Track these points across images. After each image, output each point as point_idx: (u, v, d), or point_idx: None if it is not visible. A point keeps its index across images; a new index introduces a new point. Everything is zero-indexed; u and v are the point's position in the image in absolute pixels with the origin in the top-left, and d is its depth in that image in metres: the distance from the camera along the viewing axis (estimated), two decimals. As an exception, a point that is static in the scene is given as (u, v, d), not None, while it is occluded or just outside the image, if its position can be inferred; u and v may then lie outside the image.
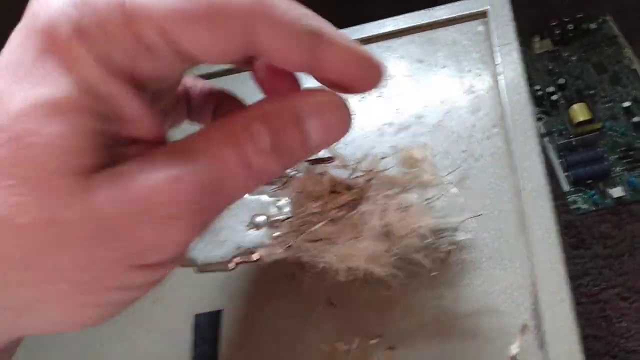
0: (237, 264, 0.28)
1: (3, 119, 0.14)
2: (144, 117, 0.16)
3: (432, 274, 0.25)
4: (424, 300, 0.25)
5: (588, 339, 0.52)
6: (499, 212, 0.26)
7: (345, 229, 0.24)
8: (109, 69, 0.15)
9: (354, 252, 0.23)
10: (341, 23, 0.35)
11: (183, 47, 0.16)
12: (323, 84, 0.19)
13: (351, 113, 0.18)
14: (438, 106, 0.30)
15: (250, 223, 0.29)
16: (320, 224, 0.24)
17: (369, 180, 0.24)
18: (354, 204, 0.24)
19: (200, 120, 0.24)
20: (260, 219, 0.29)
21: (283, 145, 0.17)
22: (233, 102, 0.23)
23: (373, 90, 0.19)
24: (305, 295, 0.27)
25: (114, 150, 0.16)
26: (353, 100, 0.32)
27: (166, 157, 0.16)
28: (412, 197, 0.24)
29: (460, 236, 0.25)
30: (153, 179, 0.15)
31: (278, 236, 0.27)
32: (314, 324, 0.26)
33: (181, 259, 0.18)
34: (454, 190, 0.26)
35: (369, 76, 0.19)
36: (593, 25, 0.70)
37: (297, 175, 0.25)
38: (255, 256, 0.28)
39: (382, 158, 0.25)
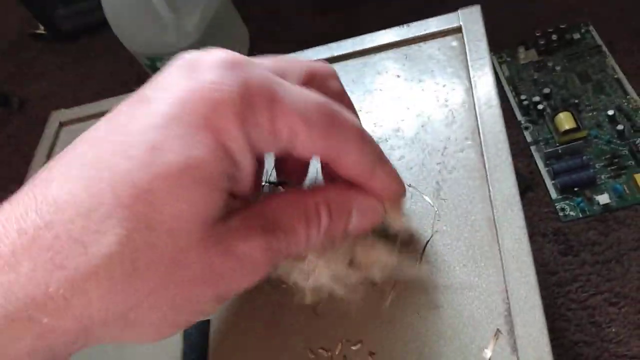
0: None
1: (160, 169, 0.17)
2: (250, 179, 0.20)
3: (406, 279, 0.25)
4: (401, 307, 0.26)
5: (578, 345, 0.53)
6: (472, 221, 0.27)
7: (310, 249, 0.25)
8: (248, 142, 0.19)
9: (318, 270, 0.24)
10: (325, 39, 0.37)
11: (295, 142, 0.19)
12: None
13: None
14: (414, 120, 0.31)
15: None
16: None
17: None
18: None
19: None
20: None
21: (332, 229, 0.22)
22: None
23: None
24: (290, 305, 0.27)
25: (228, 205, 0.19)
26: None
27: (260, 224, 0.20)
28: (381, 240, 0.25)
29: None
30: (254, 244, 0.19)
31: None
32: (299, 332, 0.27)
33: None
34: (428, 199, 0.27)
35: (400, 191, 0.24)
36: (576, 35, 0.72)
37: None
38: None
39: None
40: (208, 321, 0.29)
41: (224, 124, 0.18)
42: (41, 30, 1.19)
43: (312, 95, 0.20)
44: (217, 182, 0.18)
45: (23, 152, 1.04)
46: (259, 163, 0.24)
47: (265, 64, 0.20)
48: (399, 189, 0.24)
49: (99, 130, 0.19)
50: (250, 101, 0.18)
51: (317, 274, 0.24)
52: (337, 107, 0.21)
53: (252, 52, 0.92)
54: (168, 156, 0.17)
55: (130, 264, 0.17)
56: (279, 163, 0.27)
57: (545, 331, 0.23)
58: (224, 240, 0.19)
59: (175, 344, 0.28)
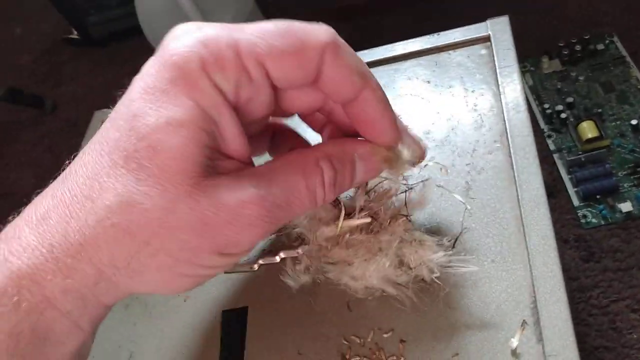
0: (260, 265, 0.31)
1: (143, 130, 0.20)
2: (237, 139, 0.21)
3: (435, 275, 0.27)
4: (432, 299, 0.27)
5: (599, 350, 0.54)
6: (501, 219, 0.28)
7: (359, 252, 0.27)
8: (222, 97, 0.20)
9: (368, 273, 0.26)
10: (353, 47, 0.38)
11: (273, 75, 0.21)
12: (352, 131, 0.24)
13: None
14: (444, 123, 0.33)
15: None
16: (335, 249, 0.27)
17: (373, 200, 0.27)
18: (366, 227, 0.27)
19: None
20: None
21: (339, 180, 0.23)
22: (289, 133, 0.28)
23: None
24: (324, 294, 0.29)
25: (214, 162, 0.21)
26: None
27: (254, 179, 0.21)
28: (426, 235, 0.27)
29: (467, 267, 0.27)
30: (244, 195, 0.21)
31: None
32: (333, 321, 0.28)
33: (248, 253, 0.24)
34: (458, 197, 0.29)
35: (385, 132, 0.24)
36: (600, 46, 0.73)
37: None
38: (277, 258, 0.31)
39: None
40: (245, 309, 0.30)
41: (190, 81, 0.20)
42: (74, 35, 1.24)
43: (269, 24, 0.21)
44: (194, 135, 0.20)
45: (55, 152, 1.08)
46: (252, 124, 0.23)
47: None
48: (388, 123, 0.23)
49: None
50: (211, 52, 0.20)
51: (368, 277, 0.26)
52: (297, 26, 0.21)
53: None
54: (147, 120, 0.20)
55: (127, 214, 0.20)
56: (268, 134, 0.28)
57: (570, 322, 0.24)
58: (214, 193, 0.20)
59: (214, 328, 0.30)
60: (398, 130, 0.24)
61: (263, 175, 0.22)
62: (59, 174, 0.22)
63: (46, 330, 0.21)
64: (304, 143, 0.28)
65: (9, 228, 0.22)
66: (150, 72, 0.20)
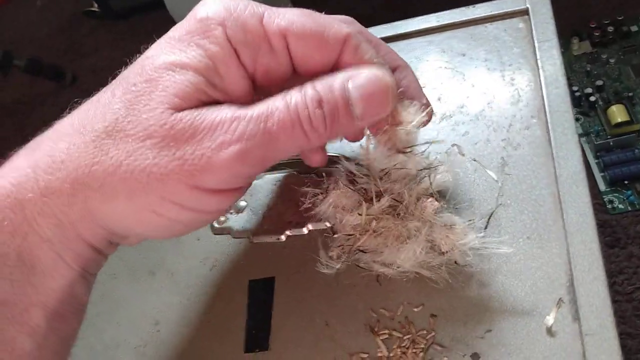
0: (288, 236, 0.31)
1: (147, 68, 0.22)
2: (241, 95, 0.22)
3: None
4: (465, 278, 0.27)
5: (622, 337, 0.53)
6: (537, 196, 0.28)
7: (388, 240, 0.26)
8: (233, 53, 0.22)
9: (399, 261, 0.25)
10: (384, 19, 0.37)
11: (294, 52, 0.22)
12: None
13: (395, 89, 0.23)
14: (479, 97, 0.32)
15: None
16: (363, 238, 0.26)
17: (394, 181, 0.26)
18: (393, 212, 0.26)
19: None
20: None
21: (329, 107, 0.21)
22: None
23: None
24: (352, 268, 0.29)
25: (206, 105, 0.22)
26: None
27: (233, 106, 0.22)
28: (456, 218, 0.26)
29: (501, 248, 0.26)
30: (220, 113, 0.21)
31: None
32: (361, 294, 0.28)
33: (235, 195, 0.23)
34: (492, 174, 0.28)
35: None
36: (634, 28, 0.71)
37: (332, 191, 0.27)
38: (305, 230, 0.30)
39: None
40: (272, 278, 0.30)
41: (205, 30, 0.22)
42: (95, 8, 1.23)
43: (295, 9, 0.23)
44: (191, 78, 0.21)
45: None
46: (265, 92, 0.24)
47: None
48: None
49: None
50: (233, 15, 0.22)
51: (399, 264, 0.25)
52: (322, 15, 0.23)
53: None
54: (154, 60, 0.22)
55: (112, 137, 0.21)
56: None
57: (608, 301, 0.24)
58: (193, 116, 0.21)
59: (240, 298, 0.30)
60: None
61: (247, 103, 0.22)
62: None
63: (31, 256, 0.21)
64: None
65: (12, 157, 0.23)
66: (175, 28, 0.23)
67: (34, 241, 0.21)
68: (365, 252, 0.27)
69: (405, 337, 0.26)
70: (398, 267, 0.26)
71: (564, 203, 0.27)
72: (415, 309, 0.27)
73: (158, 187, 0.21)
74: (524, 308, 0.25)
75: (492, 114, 0.31)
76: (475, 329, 0.25)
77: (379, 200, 0.26)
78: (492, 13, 0.35)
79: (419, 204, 0.26)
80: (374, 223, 0.26)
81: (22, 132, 1.13)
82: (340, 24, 0.23)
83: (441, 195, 0.27)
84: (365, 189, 0.26)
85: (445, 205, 0.27)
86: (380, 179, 0.26)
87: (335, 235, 0.27)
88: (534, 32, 0.33)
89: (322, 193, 0.27)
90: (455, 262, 0.26)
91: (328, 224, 0.30)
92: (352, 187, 0.26)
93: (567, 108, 0.29)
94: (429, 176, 0.26)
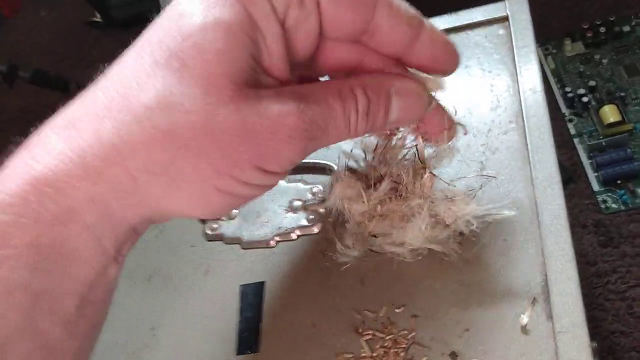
0: (277, 242, 0.32)
1: (188, 29, 0.19)
2: (281, 58, 0.21)
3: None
4: (444, 276, 0.28)
5: (615, 335, 0.53)
6: (514, 199, 0.29)
7: (394, 221, 0.27)
8: (272, 9, 0.20)
9: (408, 240, 0.26)
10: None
11: (325, 10, 0.21)
12: (412, 67, 0.24)
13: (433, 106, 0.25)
14: (460, 103, 0.33)
15: (288, 207, 0.33)
16: (372, 224, 0.27)
17: (392, 159, 0.27)
18: (394, 193, 0.27)
19: None
20: (297, 203, 0.33)
21: (373, 111, 0.23)
22: None
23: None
24: (338, 271, 0.30)
25: (256, 74, 0.20)
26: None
27: (294, 95, 0.21)
28: (457, 189, 0.27)
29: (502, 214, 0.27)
30: (286, 107, 0.20)
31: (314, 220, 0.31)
32: (346, 296, 0.29)
33: (284, 175, 0.23)
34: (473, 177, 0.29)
35: (451, 60, 0.24)
36: (626, 28, 0.71)
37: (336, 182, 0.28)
38: (294, 235, 0.32)
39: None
40: (262, 283, 0.31)
41: None
42: (97, 18, 1.25)
43: None
44: (241, 40, 0.20)
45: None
46: (297, 52, 0.23)
47: None
48: (450, 53, 0.24)
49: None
50: None
51: (409, 240, 0.26)
52: None
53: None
54: (193, 19, 0.19)
55: (168, 115, 0.19)
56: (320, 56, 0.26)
57: (580, 300, 0.25)
58: (257, 101, 0.20)
59: (232, 303, 0.31)
60: (457, 52, 0.24)
61: (303, 93, 0.21)
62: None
63: (70, 246, 0.19)
64: None
65: (33, 137, 0.20)
66: None
67: (75, 229, 0.19)
68: (376, 237, 0.28)
69: (387, 337, 0.27)
70: (409, 246, 0.27)
71: (539, 206, 0.28)
72: (397, 310, 0.28)
73: (229, 167, 0.20)
74: (501, 307, 0.26)
75: (472, 119, 0.32)
76: (454, 329, 0.26)
77: (380, 185, 0.27)
78: (474, 20, 0.36)
79: (418, 182, 0.27)
80: (379, 207, 0.27)
81: (28, 142, 1.15)
82: None
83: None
84: (365, 176, 0.28)
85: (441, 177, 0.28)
86: (379, 162, 0.28)
87: (348, 225, 0.28)
88: (513, 38, 0.34)
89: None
90: (461, 233, 0.27)
91: (316, 230, 0.32)
92: (353, 176, 0.27)
93: (544, 113, 0.30)
94: (416, 147, 0.27)
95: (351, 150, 0.29)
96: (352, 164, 0.28)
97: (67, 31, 1.32)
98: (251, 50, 0.20)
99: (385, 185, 0.27)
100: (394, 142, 0.27)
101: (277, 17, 0.21)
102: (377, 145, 0.28)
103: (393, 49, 0.23)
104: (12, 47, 1.34)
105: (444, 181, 0.28)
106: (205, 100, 0.19)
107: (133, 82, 0.19)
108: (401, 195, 0.27)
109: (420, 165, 0.27)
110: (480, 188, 0.29)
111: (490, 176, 0.29)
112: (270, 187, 0.23)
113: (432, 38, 0.23)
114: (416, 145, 0.27)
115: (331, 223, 0.31)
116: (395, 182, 0.27)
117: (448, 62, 0.24)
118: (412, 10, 0.23)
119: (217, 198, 0.21)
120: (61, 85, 1.16)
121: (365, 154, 0.28)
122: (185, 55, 0.19)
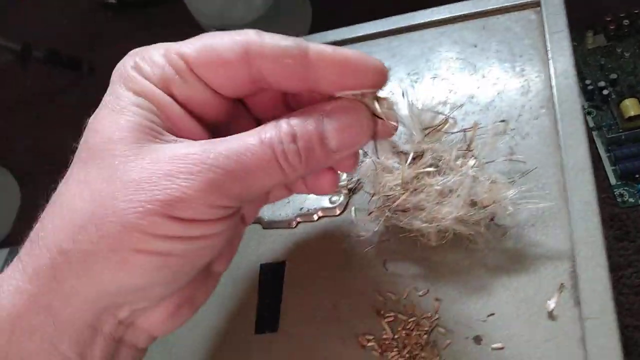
0: (298, 222, 0.32)
1: (90, 124, 0.22)
2: (186, 122, 0.23)
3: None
4: (469, 260, 0.28)
5: (629, 329, 0.53)
6: (543, 184, 0.28)
7: (430, 196, 0.26)
8: (155, 86, 0.22)
9: (441, 216, 0.26)
10: (394, 11, 0.38)
11: (207, 80, 0.22)
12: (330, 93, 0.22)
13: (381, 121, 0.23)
14: (490, 87, 0.32)
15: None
16: (404, 196, 0.26)
17: (432, 140, 0.27)
18: (432, 169, 0.27)
19: None
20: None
21: (303, 139, 0.21)
22: None
23: (383, 86, 0.23)
24: (360, 253, 0.30)
25: (164, 139, 0.21)
26: (407, 82, 0.35)
27: (204, 141, 0.21)
28: (498, 174, 0.27)
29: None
30: (187, 148, 0.21)
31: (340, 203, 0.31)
32: (368, 279, 0.29)
33: (220, 223, 0.22)
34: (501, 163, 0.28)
35: (366, 70, 0.22)
36: (650, 21, 0.70)
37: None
38: (315, 216, 0.31)
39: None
40: (283, 263, 0.31)
41: (125, 76, 0.22)
42: (111, 0, 1.25)
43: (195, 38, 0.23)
44: (132, 117, 0.21)
45: (92, 114, 1.10)
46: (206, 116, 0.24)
47: None
48: (359, 62, 0.22)
49: None
50: (141, 56, 0.22)
51: (441, 219, 0.26)
52: (214, 36, 0.22)
53: (313, 27, 0.93)
54: (95, 115, 0.22)
55: (79, 200, 0.21)
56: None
57: (609, 287, 0.24)
58: (156, 150, 0.21)
59: (252, 282, 0.31)
60: (369, 58, 0.22)
61: (216, 139, 0.21)
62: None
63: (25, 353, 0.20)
64: None
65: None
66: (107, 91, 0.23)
67: (25, 335, 0.20)
68: (405, 212, 0.27)
69: (410, 320, 0.27)
70: (438, 225, 0.26)
71: (569, 191, 0.27)
72: (420, 293, 0.28)
73: (139, 223, 0.20)
74: (527, 293, 0.26)
75: (502, 104, 0.32)
76: (478, 313, 0.26)
77: (420, 159, 0.26)
78: (504, 5, 0.35)
79: (460, 160, 0.27)
80: (415, 181, 0.26)
81: (41, 122, 1.16)
82: (229, 38, 0.22)
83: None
84: (404, 153, 0.27)
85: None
86: (423, 140, 0.27)
87: (374, 197, 0.28)
88: (545, 23, 0.33)
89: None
90: (492, 220, 0.27)
91: (337, 212, 0.31)
92: (392, 148, 0.26)
93: (575, 99, 0.30)
94: (464, 134, 0.27)
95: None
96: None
97: (81, 12, 1.31)
98: (146, 122, 0.21)
99: (425, 159, 0.26)
100: (444, 125, 0.27)
101: (164, 91, 0.22)
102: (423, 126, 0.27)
103: (293, 83, 0.22)
104: (26, 27, 1.34)
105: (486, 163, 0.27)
106: (102, 168, 0.21)
107: (63, 185, 0.22)
108: (440, 172, 0.26)
109: (466, 148, 0.27)
110: (523, 175, 0.28)
111: (519, 161, 0.29)
112: (208, 237, 0.21)
113: (322, 57, 0.21)
114: (464, 129, 0.27)
115: (351, 195, 0.31)
116: (437, 158, 0.26)
117: (359, 73, 0.22)
118: (285, 41, 0.21)
119: (141, 260, 0.20)
120: (74, 65, 1.16)
121: (412, 132, 0.27)
122: (85, 141, 0.22)
